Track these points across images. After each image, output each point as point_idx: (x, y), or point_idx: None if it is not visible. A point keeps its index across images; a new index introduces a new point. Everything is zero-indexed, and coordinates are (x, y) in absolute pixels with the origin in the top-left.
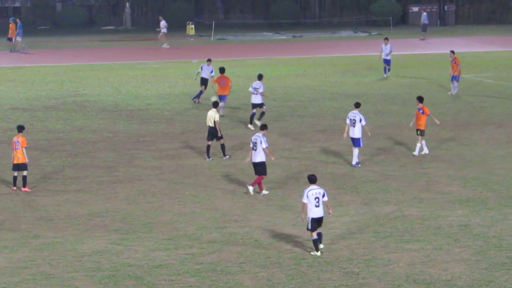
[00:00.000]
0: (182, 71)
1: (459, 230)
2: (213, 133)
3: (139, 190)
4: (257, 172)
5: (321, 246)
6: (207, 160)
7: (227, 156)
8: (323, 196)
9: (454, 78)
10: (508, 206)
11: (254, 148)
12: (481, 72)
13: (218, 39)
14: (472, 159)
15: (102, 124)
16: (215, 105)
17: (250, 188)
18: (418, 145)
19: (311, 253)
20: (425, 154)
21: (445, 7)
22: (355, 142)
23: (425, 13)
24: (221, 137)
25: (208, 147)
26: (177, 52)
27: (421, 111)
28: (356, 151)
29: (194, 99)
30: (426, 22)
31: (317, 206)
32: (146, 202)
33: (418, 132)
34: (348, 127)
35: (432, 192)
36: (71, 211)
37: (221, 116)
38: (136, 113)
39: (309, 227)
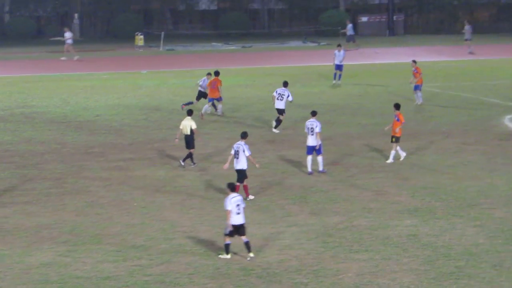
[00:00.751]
0: (131, 82)
1: (407, 240)
2: (189, 141)
3: (88, 201)
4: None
5: (251, 254)
6: (192, 166)
7: (183, 165)
8: (242, 202)
9: (416, 88)
10: (456, 215)
11: (236, 156)
12: (429, 82)
13: (167, 49)
14: (421, 168)
15: (51, 136)
16: (190, 113)
17: (251, 197)
18: (393, 152)
19: (219, 256)
20: (402, 160)
21: (394, 17)
22: (316, 149)
23: (350, 24)
24: (193, 147)
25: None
26: (126, 63)
27: (396, 118)
28: (320, 158)
29: (202, 113)
30: (352, 32)
31: (238, 213)
32: (94, 213)
33: (393, 139)
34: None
35: (381, 202)
36: (19, 223)
37: (220, 115)
38: (85, 124)
39: (226, 232)
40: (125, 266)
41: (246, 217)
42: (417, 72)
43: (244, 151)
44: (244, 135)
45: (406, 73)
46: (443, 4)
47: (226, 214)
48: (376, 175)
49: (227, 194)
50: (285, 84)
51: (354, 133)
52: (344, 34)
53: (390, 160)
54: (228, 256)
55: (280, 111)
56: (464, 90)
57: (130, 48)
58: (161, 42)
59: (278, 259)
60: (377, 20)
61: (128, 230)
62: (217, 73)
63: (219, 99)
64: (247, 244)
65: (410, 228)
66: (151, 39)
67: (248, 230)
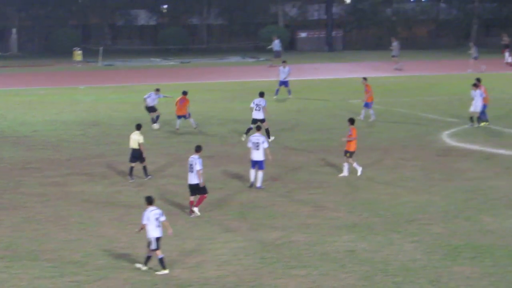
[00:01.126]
0: (69, 98)
1: (345, 256)
2: (136, 155)
3: (24, 217)
4: (193, 193)
5: (144, 268)
6: (130, 181)
7: (150, 177)
8: (161, 215)
9: (366, 105)
10: (394, 231)
11: (191, 170)
12: None
13: (106, 65)
14: (359, 184)
15: None
16: (138, 127)
17: (196, 209)
18: (355, 164)
19: (156, 272)
20: (344, 176)
21: (333, 32)
22: (260, 164)
23: (277, 40)
24: (144, 159)
25: (131, 168)
26: (64, 78)
27: (350, 133)
28: (260, 174)
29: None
30: (278, 48)
31: (158, 226)
32: (31, 229)
33: (347, 154)
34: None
35: (319, 217)
36: None
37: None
38: (22, 139)
39: (154, 247)
40: (62, 282)
41: (182, 232)
42: (366, 90)
43: (196, 164)
44: (198, 149)
45: (345, 88)
46: (381, 20)
47: (141, 227)
48: (315, 191)
49: (145, 208)
50: (262, 94)
51: (293, 148)
52: (271, 50)
53: (359, 172)
54: (166, 271)
55: (261, 121)
56: (402, 106)
57: (68, 63)
58: (100, 57)
59: (216, 274)
60: (316, 36)
61: (65, 246)
62: (185, 93)
63: (186, 116)
64: (147, 259)
65: (348, 244)
66: (89, 54)
67: (186, 245)
